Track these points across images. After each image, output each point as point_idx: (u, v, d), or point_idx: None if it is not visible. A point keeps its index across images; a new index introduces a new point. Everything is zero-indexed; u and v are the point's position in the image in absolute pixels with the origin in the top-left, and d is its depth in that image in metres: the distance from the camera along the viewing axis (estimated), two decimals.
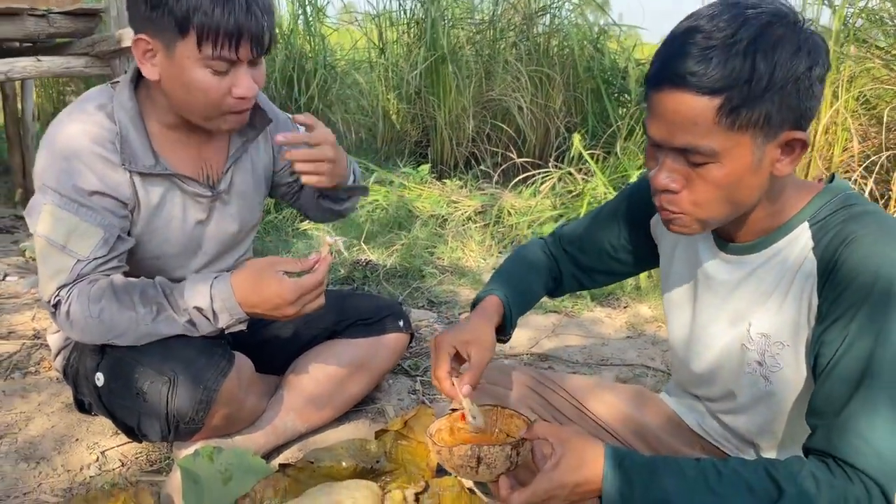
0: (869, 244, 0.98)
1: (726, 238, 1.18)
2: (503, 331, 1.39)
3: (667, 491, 0.98)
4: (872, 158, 3.04)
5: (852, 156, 3.14)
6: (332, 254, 1.46)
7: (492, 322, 1.34)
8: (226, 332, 1.48)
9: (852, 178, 3.09)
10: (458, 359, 1.28)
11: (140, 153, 1.48)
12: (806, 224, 1.07)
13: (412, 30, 5.18)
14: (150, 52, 1.40)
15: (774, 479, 0.95)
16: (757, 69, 0.94)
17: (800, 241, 1.07)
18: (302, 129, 1.82)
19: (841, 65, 3.16)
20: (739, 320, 1.16)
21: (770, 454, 1.22)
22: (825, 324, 1.01)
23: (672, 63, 0.98)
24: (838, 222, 1.03)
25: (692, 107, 0.98)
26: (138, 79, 1.52)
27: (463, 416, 1.18)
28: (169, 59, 1.39)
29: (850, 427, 0.96)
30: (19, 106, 4.16)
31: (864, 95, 3.22)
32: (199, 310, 1.44)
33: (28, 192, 4.16)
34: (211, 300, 1.43)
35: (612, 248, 1.43)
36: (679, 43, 0.98)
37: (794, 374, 1.10)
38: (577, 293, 2.87)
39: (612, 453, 1.01)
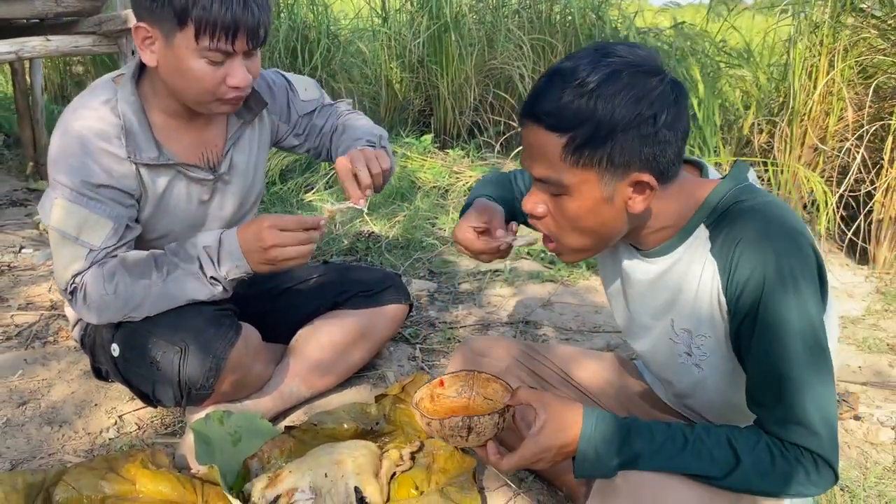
0: (755, 242, 1.05)
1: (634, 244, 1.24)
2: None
3: (637, 452, 1.07)
4: (866, 127, 3.08)
5: (847, 125, 3.18)
6: (333, 223, 1.52)
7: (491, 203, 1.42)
8: (227, 279, 1.55)
9: (845, 147, 3.14)
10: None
11: (144, 146, 1.56)
12: (703, 225, 1.13)
13: None
14: (149, 39, 1.47)
15: (734, 449, 1.05)
16: (596, 113, 1.02)
17: (700, 243, 1.13)
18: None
19: (837, 34, 3.18)
20: (662, 316, 1.23)
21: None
22: (736, 321, 1.09)
23: (534, 100, 1.07)
24: (728, 222, 1.10)
25: (544, 142, 1.07)
26: (140, 73, 1.59)
27: (442, 383, 1.27)
28: (167, 48, 1.45)
29: (786, 417, 1.05)
30: (28, 80, 4.22)
31: (861, 65, 3.24)
32: (206, 249, 1.53)
33: (39, 166, 4.24)
34: (219, 243, 1.53)
35: None
36: (544, 82, 1.07)
37: (721, 360, 1.17)
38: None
39: (590, 416, 1.10)
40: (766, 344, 1.05)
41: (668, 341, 1.23)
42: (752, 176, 1.17)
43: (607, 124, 1.03)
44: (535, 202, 1.15)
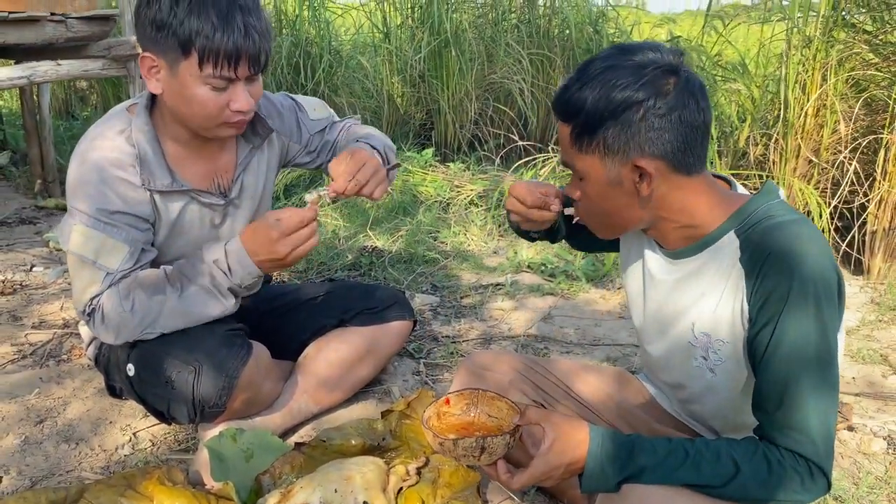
0: (785, 255, 1.11)
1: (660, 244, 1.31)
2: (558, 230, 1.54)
3: (641, 467, 1.13)
4: (859, 140, 3.14)
5: (840, 138, 3.24)
6: (319, 205, 1.56)
7: None
8: (242, 287, 1.61)
9: (839, 160, 3.19)
10: None
11: (158, 173, 1.62)
12: (733, 233, 1.19)
13: (415, 13, 5.26)
14: (154, 68, 1.54)
15: (732, 458, 1.11)
16: (587, 102, 1.13)
17: (729, 250, 1.19)
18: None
19: (830, 48, 3.24)
20: (683, 319, 1.29)
21: (727, 435, 1.36)
22: (755, 329, 1.15)
23: (556, 95, 1.20)
24: (759, 234, 1.16)
25: (561, 132, 1.19)
26: (152, 102, 1.66)
27: (448, 401, 1.32)
28: (172, 77, 1.52)
29: (787, 423, 1.11)
30: (35, 99, 4.29)
31: (854, 79, 3.30)
32: (216, 263, 1.58)
33: (46, 183, 4.31)
34: (226, 255, 1.58)
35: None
36: (568, 78, 1.18)
37: (735, 366, 1.23)
38: (574, 276, 3.01)
39: (597, 435, 1.15)
40: (781, 353, 1.11)
41: (686, 344, 1.29)
42: (782, 194, 1.23)
43: (597, 112, 1.13)
44: (571, 188, 1.27)
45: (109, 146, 1.60)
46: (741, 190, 1.28)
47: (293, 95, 1.95)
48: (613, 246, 1.53)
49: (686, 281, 1.27)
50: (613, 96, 1.11)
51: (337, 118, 2.01)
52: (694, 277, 1.25)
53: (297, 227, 1.53)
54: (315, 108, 1.96)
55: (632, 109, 1.11)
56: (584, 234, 1.54)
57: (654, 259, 1.34)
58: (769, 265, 1.12)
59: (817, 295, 1.09)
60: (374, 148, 1.81)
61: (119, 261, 1.59)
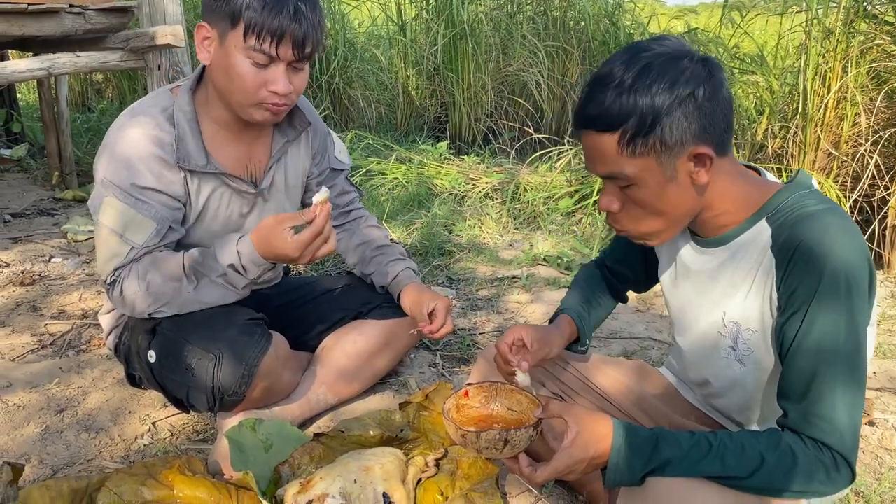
0: (816, 245, 1.10)
1: (694, 232, 1.31)
2: (580, 342, 1.56)
3: (665, 460, 1.12)
4: (881, 133, 3.10)
5: (860, 130, 3.20)
6: (326, 203, 1.56)
7: (563, 334, 1.51)
8: (258, 280, 1.65)
9: (859, 153, 3.16)
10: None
11: (194, 153, 1.64)
12: (765, 221, 1.19)
13: (430, 5, 5.25)
14: (207, 39, 1.58)
15: (757, 449, 1.10)
16: (638, 104, 1.11)
17: (762, 238, 1.19)
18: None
19: (851, 40, 3.21)
20: (715, 309, 1.28)
21: (751, 428, 1.35)
22: (784, 317, 1.14)
23: (582, 108, 1.17)
24: (792, 223, 1.15)
25: (599, 143, 1.16)
26: (196, 86, 1.68)
27: (466, 393, 1.31)
28: (220, 47, 1.56)
29: (814, 411, 1.09)
30: (53, 92, 4.31)
31: (875, 70, 3.26)
32: (231, 267, 1.62)
33: (64, 175, 4.34)
34: (238, 256, 1.61)
35: (638, 261, 1.56)
36: (588, 90, 1.17)
37: (764, 356, 1.23)
38: None
39: (620, 428, 1.15)
40: (809, 342, 1.10)
41: (716, 335, 1.29)
42: (815, 184, 1.22)
43: (651, 112, 1.11)
44: (608, 200, 1.23)
45: (151, 123, 1.63)
46: (770, 177, 1.27)
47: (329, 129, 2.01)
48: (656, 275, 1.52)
49: (717, 270, 1.26)
50: (665, 94, 1.10)
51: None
52: (725, 266, 1.25)
53: (311, 240, 1.56)
54: (341, 150, 2.02)
55: (686, 102, 1.11)
56: (638, 276, 1.58)
57: (686, 249, 1.34)
58: (799, 255, 1.11)
59: (848, 286, 1.08)
60: (415, 272, 2.00)
61: (146, 237, 1.61)
